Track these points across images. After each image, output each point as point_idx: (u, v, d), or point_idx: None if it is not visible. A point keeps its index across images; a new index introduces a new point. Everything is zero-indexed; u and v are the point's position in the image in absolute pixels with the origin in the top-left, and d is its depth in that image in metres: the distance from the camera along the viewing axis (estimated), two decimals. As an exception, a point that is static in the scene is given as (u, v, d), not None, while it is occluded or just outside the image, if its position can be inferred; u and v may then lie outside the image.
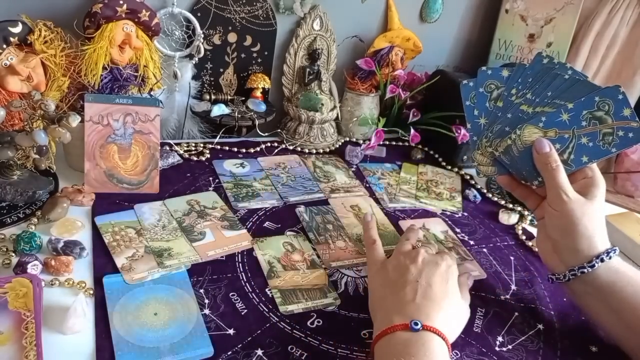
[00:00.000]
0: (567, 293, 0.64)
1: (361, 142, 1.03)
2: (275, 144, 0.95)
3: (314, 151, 0.96)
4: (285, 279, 0.64)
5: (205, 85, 0.96)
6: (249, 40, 0.95)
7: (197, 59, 0.92)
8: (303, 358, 0.54)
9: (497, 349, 0.59)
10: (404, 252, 0.61)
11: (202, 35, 0.89)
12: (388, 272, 0.59)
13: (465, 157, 0.99)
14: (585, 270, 0.57)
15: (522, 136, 0.61)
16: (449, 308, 0.55)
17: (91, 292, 0.57)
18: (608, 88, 0.60)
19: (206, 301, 0.58)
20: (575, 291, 0.60)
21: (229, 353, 0.52)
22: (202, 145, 0.91)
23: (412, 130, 0.99)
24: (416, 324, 0.50)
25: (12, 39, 0.66)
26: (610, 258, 0.57)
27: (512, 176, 0.66)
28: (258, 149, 0.93)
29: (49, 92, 0.71)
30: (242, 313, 0.58)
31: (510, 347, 0.59)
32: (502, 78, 0.66)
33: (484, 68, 0.66)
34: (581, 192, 0.59)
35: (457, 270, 0.60)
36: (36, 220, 0.66)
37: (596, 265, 0.57)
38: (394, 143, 1.06)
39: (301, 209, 0.78)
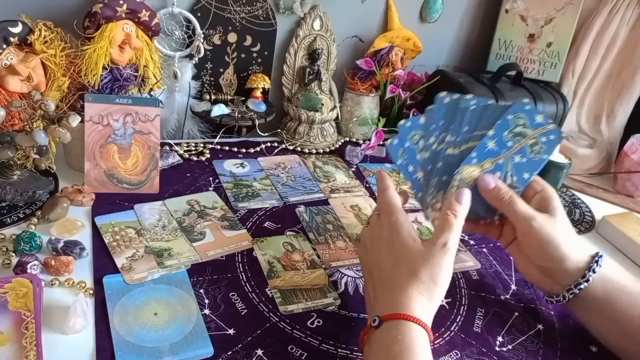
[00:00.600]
0: (569, 311, 0.63)
1: (361, 142, 1.03)
2: (275, 144, 0.96)
3: (314, 151, 0.96)
4: (285, 279, 0.64)
5: (205, 85, 0.96)
6: (249, 40, 0.95)
7: (197, 59, 0.92)
8: (303, 358, 0.54)
9: (497, 349, 0.59)
10: (360, 244, 0.60)
11: (202, 35, 0.90)
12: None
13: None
14: (582, 285, 0.57)
15: (463, 179, 0.60)
16: (403, 277, 0.51)
17: (91, 292, 0.57)
18: (515, 104, 0.62)
19: (206, 301, 0.58)
20: (574, 308, 0.60)
21: (229, 353, 0.52)
22: (202, 145, 0.91)
23: (412, 130, 0.99)
24: (374, 320, 0.49)
25: (12, 39, 0.66)
26: (600, 265, 0.57)
27: (470, 218, 0.61)
28: (258, 149, 0.93)
29: (49, 92, 0.71)
30: (242, 313, 0.58)
31: (510, 347, 0.59)
32: (421, 126, 0.64)
33: (402, 122, 0.63)
34: (541, 209, 0.59)
35: (403, 219, 0.55)
36: (36, 220, 0.66)
37: (590, 278, 0.56)
38: (394, 143, 1.05)
39: (301, 209, 0.78)
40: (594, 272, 0.57)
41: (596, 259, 0.58)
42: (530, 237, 0.58)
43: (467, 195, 0.56)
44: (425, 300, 0.50)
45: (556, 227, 0.57)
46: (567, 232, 0.58)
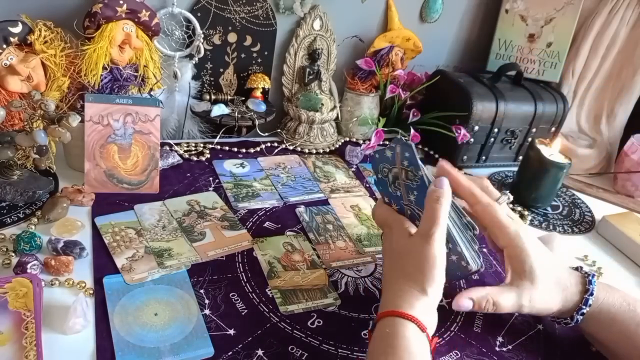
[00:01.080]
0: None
1: (361, 142, 1.03)
2: (275, 144, 0.95)
3: (314, 151, 0.96)
4: (285, 279, 0.64)
5: (205, 85, 0.96)
6: (249, 40, 0.95)
7: (197, 59, 0.91)
8: (303, 358, 0.54)
9: (497, 349, 0.59)
10: None
11: (202, 35, 0.89)
12: None
13: (465, 157, 0.99)
14: (571, 324, 0.57)
15: None
16: (393, 275, 0.52)
17: (91, 292, 0.57)
18: (371, 163, 0.61)
19: (206, 301, 0.58)
20: (583, 328, 0.59)
21: (229, 353, 0.52)
22: (202, 145, 0.91)
23: (412, 130, 0.99)
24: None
25: (12, 39, 0.66)
26: (583, 313, 0.56)
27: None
28: (258, 149, 0.93)
29: (49, 92, 0.71)
30: (243, 313, 0.58)
31: (510, 347, 0.59)
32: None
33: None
34: (517, 270, 0.56)
35: (396, 222, 0.57)
36: (36, 220, 0.66)
37: (579, 318, 0.56)
38: (394, 143, 1.05)
39: (301, 209, 0.78)
40: (577, 322, 0.56)
41: (582, 305, 0.56)
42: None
43: (446, 181, 0.55)
44: (417, 293, 0.50)
45: (540, 294, 0.56)
46: (551, 290, 0.56)
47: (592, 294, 0.56)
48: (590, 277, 0.57)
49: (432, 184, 0.56)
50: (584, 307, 0.56)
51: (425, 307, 0.50)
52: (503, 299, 0.55)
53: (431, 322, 0.50)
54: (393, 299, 0.50)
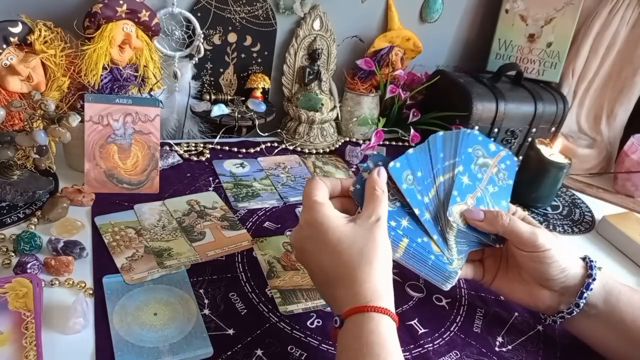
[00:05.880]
0: (573, 331, 0.60)
1: (361, 142, 1.03)
2: (275, 144, 0.96)
3: (314, 151, 0.96)
4: (285, 279, 0.64)
5: (205, 85, 0.96)
6: (249, 40, 0.95)
7: (197, 59, 0.92)
8: (303, 358, 0.54)
9: (497, 349, 0.59)
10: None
11: (202, 35, 0.90)
12: None
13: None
14: (589, 289, 0.55)
15: (459, 220, 0.58)
16: (349, 266, 0.48)
17: (91, 292, 0.57)
18: (465, 137, 0.60)
19: (206, 301, 0.58)
20: (578, 322, 0.58)
21: (228, 353, 0.52)
22: (202, 145, 0.91)
23: (412, 130, 0.99)
24: (335, 321, 0.48)
25: (12, 39, 0.66)
26: (596, 267, 0.57)
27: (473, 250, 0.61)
28: (258, 149, 0.93)
29: (49, 92, 0.71)
30: (242, 313, 0.58)
31: (510, 347, 0.59)
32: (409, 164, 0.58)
33: (391, 165, 0.57)
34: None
35: (322, 209, 0.51)
36: (36, 220, 0.66)
37: (592, 284, 0.55)
38: (394, 143, 1.06)
39: (301, 209, 0.78)
40: (593, 279, 0.56)
41: (590, 263, 0.57)
42: (536, 248, 0.55)
43: (383, 170, 0.55)
44: (379, 279, 0.48)
45: (551, 236, 0.57)
46: (571, 254, 0.58)
47: (594, 279, 0.56)
48: (591, 262, 0.58)
49: (375, 173, 0.55)
50: (585, 290, 0.55)
51: (389, 293, 0.48)
52: (516, 219, 0.57)
53: (391, 303, 0.48)
54: (361, 292, 0.47)
